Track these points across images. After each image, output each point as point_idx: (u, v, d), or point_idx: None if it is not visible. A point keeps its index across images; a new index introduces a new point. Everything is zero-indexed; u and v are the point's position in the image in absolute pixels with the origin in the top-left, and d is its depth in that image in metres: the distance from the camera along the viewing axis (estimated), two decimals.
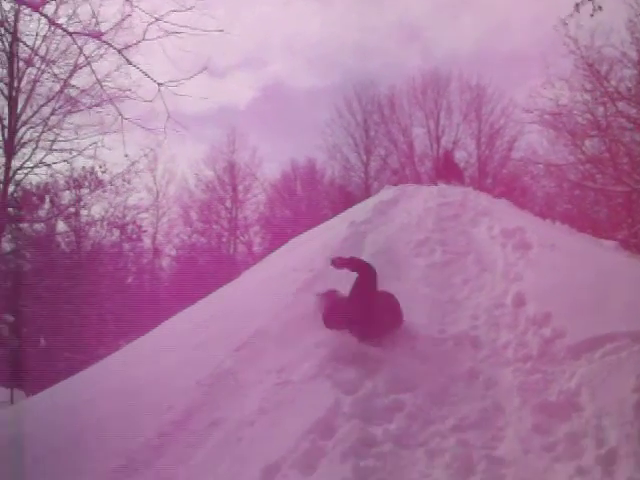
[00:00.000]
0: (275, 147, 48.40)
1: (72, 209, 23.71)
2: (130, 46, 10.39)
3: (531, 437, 4.94)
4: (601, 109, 20.15)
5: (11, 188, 20.58)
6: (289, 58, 49.37)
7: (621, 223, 20.14)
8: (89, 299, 21.76)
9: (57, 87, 17.73)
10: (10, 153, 19.98)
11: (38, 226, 23.58)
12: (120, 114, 10.52)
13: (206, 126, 50.06)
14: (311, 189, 36.01)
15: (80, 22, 10.77)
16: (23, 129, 20.27)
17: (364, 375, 5.90)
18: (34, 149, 20.45)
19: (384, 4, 46.34)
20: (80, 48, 11.24)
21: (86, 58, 11.90)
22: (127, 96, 11.81)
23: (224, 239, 36.51)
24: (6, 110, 20.00)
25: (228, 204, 36.02)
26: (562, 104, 20.27)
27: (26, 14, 13.14)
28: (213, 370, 6.47)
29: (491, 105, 33.00)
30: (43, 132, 20.41)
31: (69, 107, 19.54)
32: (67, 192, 23.25)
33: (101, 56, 13.22)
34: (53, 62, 13.86)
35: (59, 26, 10.78)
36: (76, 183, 22.70)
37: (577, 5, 7.75)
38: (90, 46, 12.38)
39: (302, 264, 8.48)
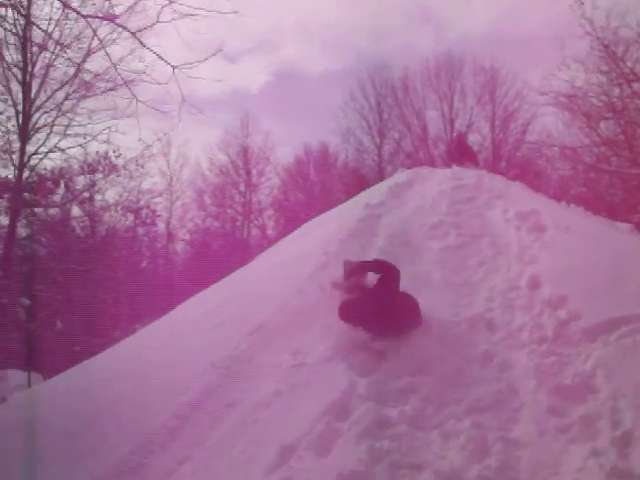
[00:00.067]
0: (288, 131, 48.62)
1: (86, 194, 23.86)
2: (144, 29, 10.48)
3: (546, 419, 4.92)
4: (617, 91, 19.94)
5: (26, 173, 20.80)
6: (302, 41, 49.42)
7: (636, 206, 19.91)
8: (104, 283, 21.87)
9: (71, 71, 17.88)
10: (25, 138, 20.13)
11: (53, 211, 23.73)
12: (135, 96, 10.56)
13: (219, 110, 50.38)
14: (324, 173, 35.97)
15: (94, 5, 10.72)
16: (37, 114, 20.48)
17: (378, 358, 5.92)
18: (48, 134, 20.68)
19: None
20: (94, 31, 11.31)
21: (100, 41, 11.98)
22: (142, 79, 11.84)
23: (238, 223, 36.61)
24: (20, 95, 20.16)
25: (242, 188, 36.10)
26: (577, 86, 19.99)
27: None
28: (229, 353, 6.51)
29: (505, 87, 32.62)
30: (57, 117, 20.62)
31: (83, 91, 19.74)
32: (81, 177, 23.47)
33: (114, 40, 13.33)
34: (67, 46, 13.82)
35: (73, 9, 10.75)
36: (90, 168, 22.88)
37: None
38: (104, 29, 12.48)
39: (316, 247, 8.48)
